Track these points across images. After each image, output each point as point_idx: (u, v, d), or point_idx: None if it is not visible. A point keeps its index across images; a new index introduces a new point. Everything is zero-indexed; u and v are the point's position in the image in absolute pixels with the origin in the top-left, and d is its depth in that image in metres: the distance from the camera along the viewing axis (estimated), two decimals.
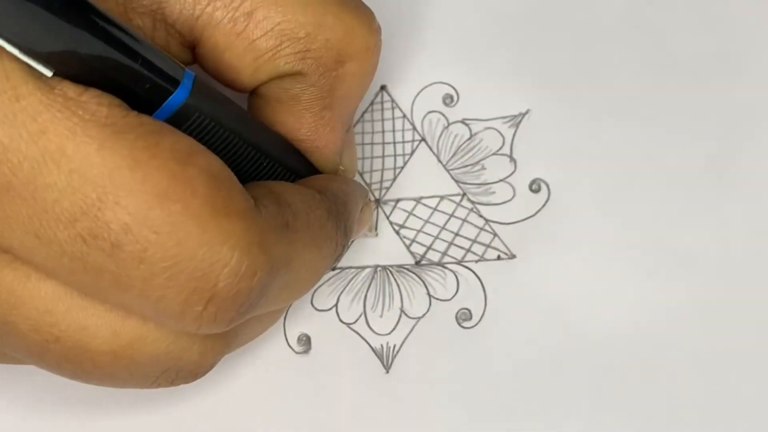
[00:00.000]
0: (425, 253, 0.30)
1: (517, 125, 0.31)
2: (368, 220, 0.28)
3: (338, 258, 0.25)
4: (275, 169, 0.24)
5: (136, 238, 0.17)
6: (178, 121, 0.20)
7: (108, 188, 0.17)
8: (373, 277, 0.30)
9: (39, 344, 0.20)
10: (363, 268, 0.30)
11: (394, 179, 0.31)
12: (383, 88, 0.32)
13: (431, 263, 0.30)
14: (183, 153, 0.18)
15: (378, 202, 0.31)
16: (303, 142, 0.25)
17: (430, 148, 0.31)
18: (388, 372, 0.29)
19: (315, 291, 0.30)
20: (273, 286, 0.20)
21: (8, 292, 0.19)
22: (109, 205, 0.17)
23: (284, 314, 0.29)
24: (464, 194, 0.31)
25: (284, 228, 0.20)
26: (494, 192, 0.31)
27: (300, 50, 0.23)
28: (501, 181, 0.31)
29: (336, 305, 0.30)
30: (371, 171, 0.31)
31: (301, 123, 0.25)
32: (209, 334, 0.21)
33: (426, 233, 0.30)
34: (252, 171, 0.24)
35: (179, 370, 0.22)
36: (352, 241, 0.30)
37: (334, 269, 0.30)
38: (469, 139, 0.31)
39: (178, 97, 0.20)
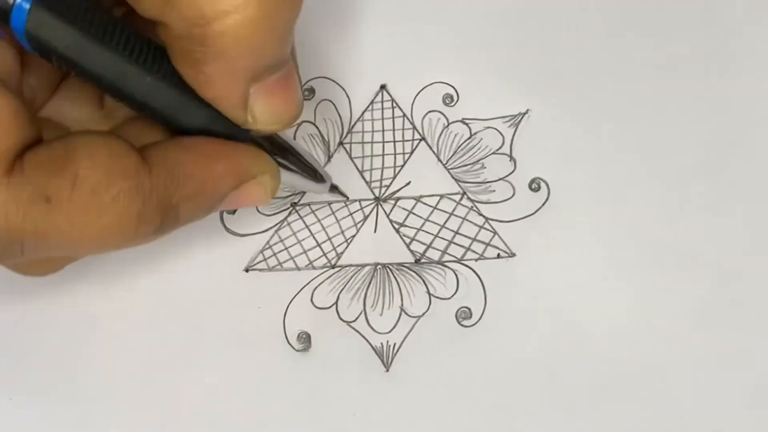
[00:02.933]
0: (425, 251, 0.30)
1: (517, 125, 0.31)
2: (257, 197, 0.26)
3: (166, 231, 0.24)
4: (162, 113, 0.24)
5: None
6: (42, 50, 0.21)
7: None
8: (373, 276, 0.30)
9: None
10: (363, 266, 0.30)
11: (394, 178, 0.31)
12: (383, 87, 0.32)
13: (431, 262, 0.30)
14: None
15: (378, 200, 0.31)
16: (197, 89, 0.24)
17: (430, 147, 0.31)
18: (388, 370, 0.29)
19: (315, 289, 0.30)
20: (27, 246, 0.21)
21: None
22: None
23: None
24: (464, 193, 0.31)
25: (42, 201, 0.21)
26: (494, 190, 0.31)
27: (162, 2, 0.22)
28: (501, 179, 0.31)
29: (336, 303, 0.30)
30: (371, 169, 0.31)
31: (186, 72, 0.24)
32: None
33: (426, 232, 0.30)
34: (139, 108, 0.24)
35: None
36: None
37: (333, 267, 0.30)
38: (469, 138, 0.31)
39: (16, 25, 0.21)
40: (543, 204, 0.30)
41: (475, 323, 0.29)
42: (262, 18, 0.22)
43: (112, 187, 0.22)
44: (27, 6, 0.21)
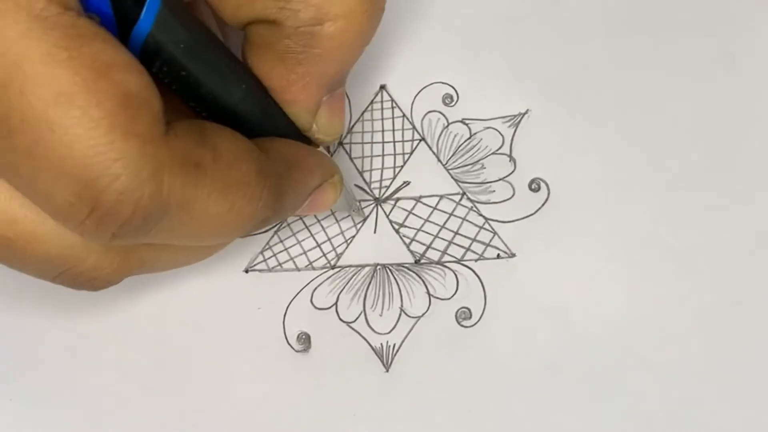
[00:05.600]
0: (425, 252, 0.30)
1: (517, 125, 0.31)
2: (330, 199, 0.27)
3: (269, 223, 0.24)
4: (246, 120, 0.24)
5: (31, 129, 0.18)
6: (149, 56, 0.21)
7: (17, 75, 0.18)
8: (372, 276, 0.30)
9: None
10: (363, 266, 0.30)
11: (394, 178, 0.31)
12: (383, 87, 0.32)
13: (431, 262, 0.30)
14: (102, 64, 0.18)
15: (378, 200, 0.31)
16: (274, 92, 0.25)
17: (430, 148, 0.31)
18: (387, 371, 0.29)
19: (315, 289, 0.30)
20: (167, 219, 0.20)
21: None
22: (14, 91, 0.18)
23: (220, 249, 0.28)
24: (464, 193, 0.31)
25: (192, 167, 0.20)
26: (494, 191, 0.31)
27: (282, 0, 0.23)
28: (500, 180, 0.31)
29: (336, 304, 0.30)
30: (371, 170, 0.31)
31: (273, 72, 0.25)
32: (107, 250, 0.22)
33: (426, 232, 0.30)
34: (222, 116, 0.24)
35: (75, 277, 0.23)
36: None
37: (333, 268, 0.30)
38: (469, 138, 0.31)
39: (142, 26, 0.20)
40: (543, 204, 0.30)
41: (475, 323, 0.29)
42: (363, 27, 0.25)
43: (244, 165, 0.22)
44: (156, 5, 0.21)
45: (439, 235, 0.30)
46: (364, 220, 0.31)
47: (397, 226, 0.31)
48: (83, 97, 0.18)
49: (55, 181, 0.19)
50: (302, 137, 0.27)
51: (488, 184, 0.31)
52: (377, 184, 0.31)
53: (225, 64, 0.23)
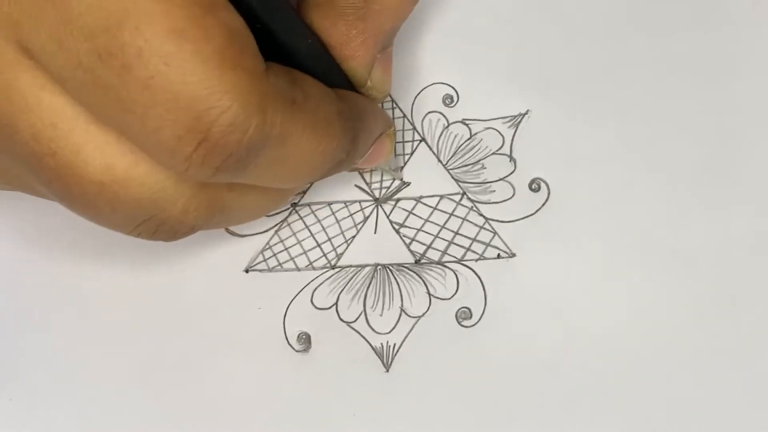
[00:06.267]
0: (425, 252, 0.30)
1: (517, 125, 0.31)
2: (388, 150, 0.28)
3: (342, 167, 0.25)
4: (311, 74, 0.24)
5: (145, 65, 0.19)
6: None
7: (131, 12, 0.18)
8: (373, 276, 0.30)
9: (36, 154, 0.21)
10: (363, 266, 0.30)
11: (395, 178, 0.31)
12: None
13: (431, 262, 0.30)
14: (207, 2, 0.19)
15: (378, 201, 0.31)
16: (333, 48, 0.26)
17: (430, 148, 0.31)
18: (388, 371, 0.29)
19: (315, 289, 0.30)
20: (264, 154, 0.21)
21: (21, 95, 0.20)
22: (128, 28, 0.18)
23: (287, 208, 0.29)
24: (464, 193, 0.31)
25: (289, 102, 0.21)
26: (494, 191, 0.31)
27: None
28: (501, 180, 0.31)
29: (336, 304, 0.30)
30: (371, 170, 0.31)
31: (334, 29, 0.26)
32: (196, 194, 0.22)
33: (426, 232, 0.30)
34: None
35: (160, 223, 0.23)
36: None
37: (333, 268, 0.30)
38: (469, 139, 0.31)
39: None
40: (543, 204, 0.30)
41: (475, 323, 0.29)
42: None
43: (328, 106, 0.23)
44: None
45: (440, 235, 0.30)
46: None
47: (397, 227, 0.31)
48: (195, 33, 0.19)
49: (167, 114, 0.19)
50: (357, 93, 0.27)
51: (488, 184, 0.31)
52: (377, 185, 0.31)
53: (295, 19, 0.24)
